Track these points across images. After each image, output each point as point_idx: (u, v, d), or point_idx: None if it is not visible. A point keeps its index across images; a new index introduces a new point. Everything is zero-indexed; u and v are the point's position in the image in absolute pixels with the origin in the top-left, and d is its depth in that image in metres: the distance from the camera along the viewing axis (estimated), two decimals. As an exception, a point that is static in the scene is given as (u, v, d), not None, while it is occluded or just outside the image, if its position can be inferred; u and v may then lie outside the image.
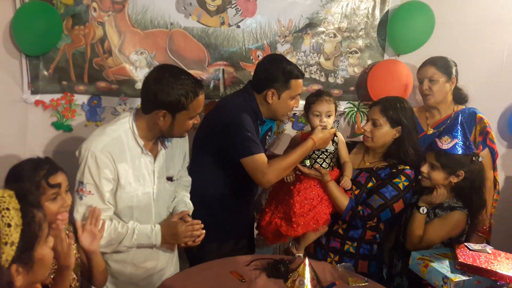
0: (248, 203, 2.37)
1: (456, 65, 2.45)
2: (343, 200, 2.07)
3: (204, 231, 1.84)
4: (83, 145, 1.69)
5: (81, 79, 2.50)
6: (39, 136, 2.46)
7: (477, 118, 2.45)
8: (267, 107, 2.15)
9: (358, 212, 2.05)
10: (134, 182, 1.77)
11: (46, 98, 2.47)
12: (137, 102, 2.55)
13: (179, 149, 1.98)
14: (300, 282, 1.85)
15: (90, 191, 1.68)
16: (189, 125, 1.78)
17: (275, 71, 2.09)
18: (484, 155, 2.44)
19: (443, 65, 2.41)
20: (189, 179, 2.10)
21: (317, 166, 2.11)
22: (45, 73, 2.45)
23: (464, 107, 2.51)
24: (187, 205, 2.00)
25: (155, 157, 1.83)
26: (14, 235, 0.90)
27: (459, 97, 2.49)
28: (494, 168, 2.52)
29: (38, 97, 2.46)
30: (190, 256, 2.34)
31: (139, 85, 2.56)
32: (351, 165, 2.17)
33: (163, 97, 1.64)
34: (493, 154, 2.47)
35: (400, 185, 2.05)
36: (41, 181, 1.45)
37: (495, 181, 2.52)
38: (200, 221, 1.84)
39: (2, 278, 0.89)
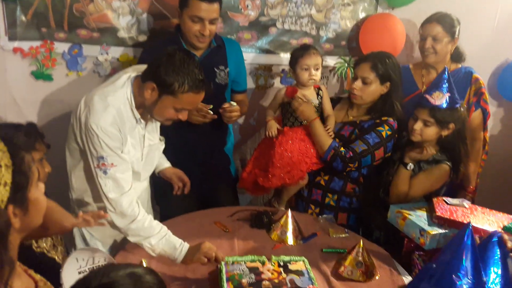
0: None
1: (459, 24, 2.37)
2: (327, 140, 2.08)
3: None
4: (90, 120, 1.63)
5: (61, 26, 2.39)
6: (19, 85, 2.39)
7: (473, 78, 2.42)
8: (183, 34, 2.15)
9: (340, 152, 2.05)
10: (132, 150, 1.77)
11: (25, 45, 2.37)
12: (120, 51, 2.48)
13: None
14: (282, 233, 1.90)
15: (112, 164, 1.66)
16: (170, 113, 1.69)
17: None
18: (476, 115, 2.45)
19: (448, 24, 2.33)
20: None
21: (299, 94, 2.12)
22: (23, 18, 2.34)
23: (460, 65, 2.47)
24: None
25: (146, 122, 1.81)
26: (6, 175, 0.89)
27: (457, 55, 2.44)
28: (485, 129, 2.52)
29: (16, 44, 2.35)
30: (159, 203, 2.37)
31: (121, 34, 2.46)
32: (333, 119, 2.18)
33: (161, 72, 1.60)
34: (485, 114, 2.47)
35: (383, 133, 2.07)
36: (37, 139, 1.44)
37: (485, 141, 2.53)
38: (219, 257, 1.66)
39: (0, 219, 0.88)
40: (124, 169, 1.70)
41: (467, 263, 0.88)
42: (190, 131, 2.18)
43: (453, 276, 0.87)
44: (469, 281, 0.86)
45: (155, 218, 1.78)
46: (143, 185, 1.98)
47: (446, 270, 0.86)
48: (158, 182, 2.14)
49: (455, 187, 2.46)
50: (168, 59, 1.61)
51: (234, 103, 2.15)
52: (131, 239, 1.71)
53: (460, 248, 0.88)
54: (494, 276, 1.02)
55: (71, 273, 1.46)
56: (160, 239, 1.67)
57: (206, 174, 2.32)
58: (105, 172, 1.66)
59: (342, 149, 2.06)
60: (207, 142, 2.30)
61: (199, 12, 2.08)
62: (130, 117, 1.72)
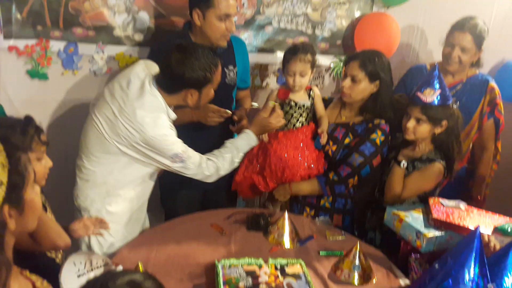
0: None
1: (488, 35, 2.34)
2: (313, 185, 2.11)
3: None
4: (149, 135, 1.74)
5: (56, 24, 2.36)
6: (14, 84, 2.35)
7: (489, 87, 2.41)
8: (200, 33, 2.12)
9: (333, 181, 2.08)
10: None
11: (20, 43, 2.33)
12: (115, 50, 2.46)
13: None
14: (279, 235, 1.90)
15: (183, 150, 1.84)
16: (212, 94, 1.87)
17: None
18: (488, 125, 2.46)
19: (479, 35, 2.30)
20: None
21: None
22: (18, 16, 2.30)
23: (477, 72, 2.46)
24: None
25: None
26: (2, 174, 0.88)
27: (475, 61, 2.42)
28: (498, 139, 2.51)
29: (11, 42, 2.31)
30: (164, 203, 2.38)
31: (117, 32, 2.44)
32: (327, 119, 2.18)
33: (190, 76, 1.74)
34: (498, 125, 2.46)
35: (377, 141, 2.07)
36: (33, 138, 1.42)
37: (496, 150, 2.53)
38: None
39: None
40: (185, 146, 1.85)
41: (472, 267, 0.88)
42: (197, 130, 2.18)
43: (456, 279, 0.87)
44: (472, 285, 0.86)
45: (159, 220, 1.88)
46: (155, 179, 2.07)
47: (449, 273, 0.86)
48: (164, 184, 2.14)
49: (463, 197, 2.47)
50: (183, 64, 1.72)
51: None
52: (222, 173, 1.99)
53: (466, 252, 0.88)
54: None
55: (70, 278, 1.46)
56: (238, 155, 2.00)
57: None
58: (182, 161, 1.84)
59: (331, 175, 2.08)
60: (212, 142, 2.29)
61: (228, 9, 2.06)
62: None
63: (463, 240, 0.93)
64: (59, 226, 1.49)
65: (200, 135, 2.19)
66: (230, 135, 2.22)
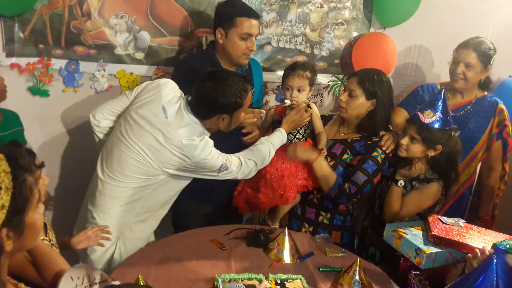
0: None
1: (496, 53, 2.36)
2: (331, 177, 2.07)
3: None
4: (199, 158, 1.83)
5: (58, 42, 2.40)
6: (15, 101, 2.37)
7: (498, 109, 2.42)
8: (222, 51, 2.21)
9: (344, 189, 2.06)
10: None
11: (22, 61, 2.37)
12: (116, 68, 2.50)
13: None
14: (279, 251, 1.89)
15: (226, 159, 1.93)
16: (243, 117, 1.98)
17: (221, 10, 2.18)
18: (496, 146, 2.46)
19: (484, 53, 2.32)
20: None
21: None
22: (21, 35, 2.34)
23: (486, 93, 2.48)
24: None
25: None
26: (5, 198, 0.88)
27: (484, 83, 2.45)
28: (505, 160, 2.52)
29: (13, 60, 2.35)
30: (176, 222, 2.38)
31: (118, 50, 2.48)
32: (325, 135, 2.19)
33: (222, 102, 1.84)
34: (506, 146, 2.47)
35: (379, 159, 2.08)
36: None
37: (505, 172, 2.54)
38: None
39: None
40: (224, 154, 1.93)
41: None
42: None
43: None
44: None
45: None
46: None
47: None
48: (177, 203, 2.15)
49: (470, 218, 2.47)
50: (216, 90, 1.82)
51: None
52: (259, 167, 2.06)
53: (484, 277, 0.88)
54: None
55: None
56: (274, 151, 2.06)
57: (222, 190, 2.32)
58: (227, 168, 1.93)
59: (346, 185, 2.06)
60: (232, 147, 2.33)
61: (250, 29, 2.15)
62: None
63: (479, 267, 0.93)
64: (66, 262, 1.48)
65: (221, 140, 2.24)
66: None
